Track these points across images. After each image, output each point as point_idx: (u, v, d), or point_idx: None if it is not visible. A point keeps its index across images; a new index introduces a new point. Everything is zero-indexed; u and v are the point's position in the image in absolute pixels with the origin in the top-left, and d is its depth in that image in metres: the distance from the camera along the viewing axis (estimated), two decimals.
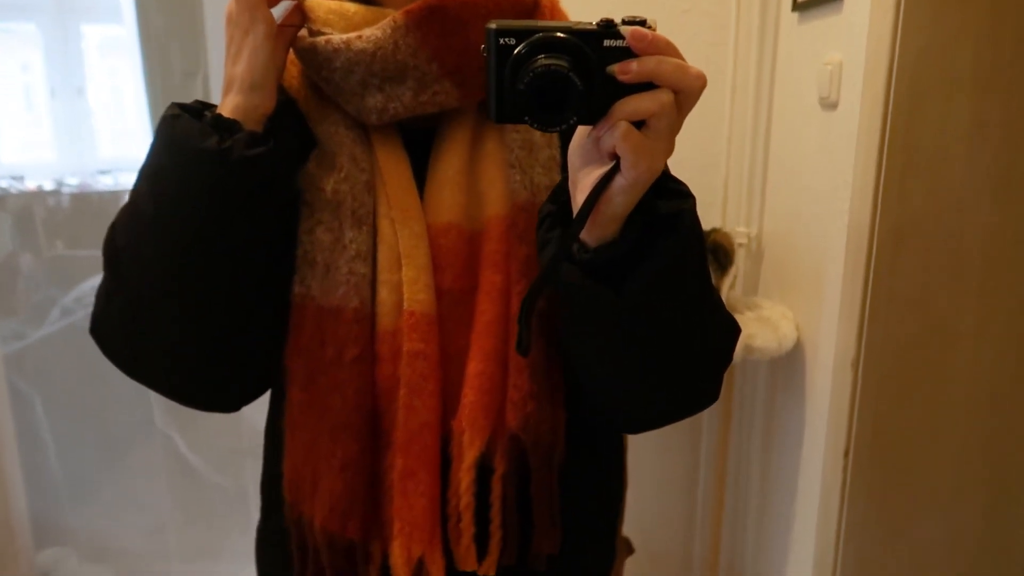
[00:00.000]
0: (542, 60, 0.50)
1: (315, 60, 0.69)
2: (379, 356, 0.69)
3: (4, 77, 3.97)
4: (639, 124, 0.52)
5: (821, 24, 1.32)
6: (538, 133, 0.74)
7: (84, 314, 2.69)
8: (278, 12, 0.69)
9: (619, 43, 0.51)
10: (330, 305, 0.69)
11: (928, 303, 1.15)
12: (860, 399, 1.15)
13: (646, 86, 0.52)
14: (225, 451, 1.98)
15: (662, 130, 0.53)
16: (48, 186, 3.94)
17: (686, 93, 0.53)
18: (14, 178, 3.99)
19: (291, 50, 0.71)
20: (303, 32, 0.71)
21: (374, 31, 0.66)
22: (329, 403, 0.69)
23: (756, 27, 1.51)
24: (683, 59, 0.53)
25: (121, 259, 0.68)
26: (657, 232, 0.58)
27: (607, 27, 0.51)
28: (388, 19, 0.67)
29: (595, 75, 0.51)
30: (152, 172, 0.66)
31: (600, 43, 0.51)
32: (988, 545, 1.27)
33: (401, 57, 0.67)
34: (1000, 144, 1.11)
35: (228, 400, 0.75)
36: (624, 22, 0.52)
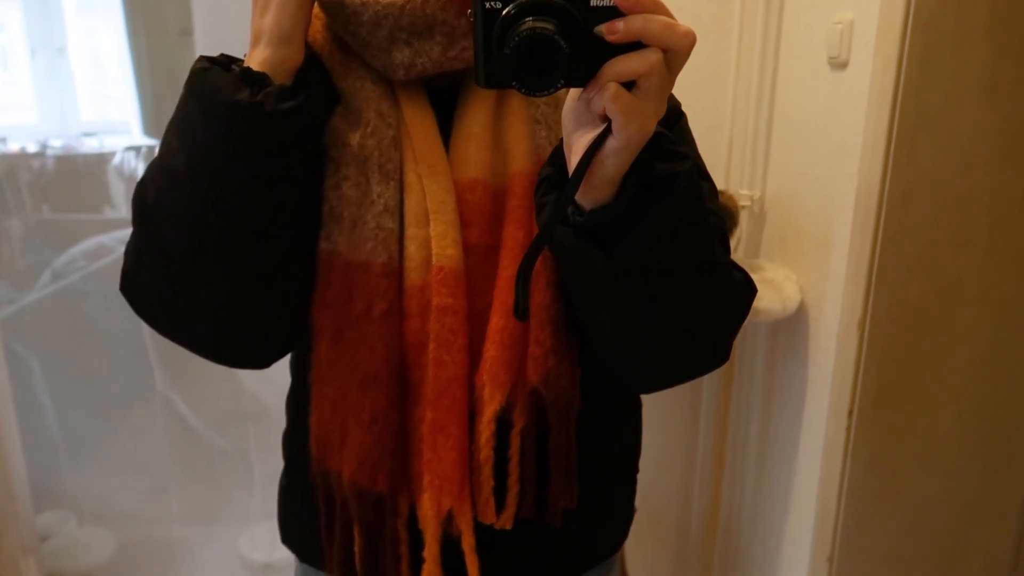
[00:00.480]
0: (528, 23, 0.49)
1: (341, 13, 0.68)
2: (407, 311, 0.70)
3: None
4: (629, 85, 0.52)
5: None
6: (564, 90, 0.73)
7: (77, 278, 2.66)
8: None
9: (606, 3, 0.50)
10: (358, 260, 0.69)
11: (934, 264, 1.16)
12: (865, 360, 1.16)
13: (635, 46, 0.51)
14: (226, 413, 1.98)
15: (652, 90, 0.52)
16: (32, 148, 3.87)
17: (675, 52, 0.52)
18: None
19: (315, 3, 0.70)
20: None
21: None
22: (358, 357, 0.69)
23: None
24: (672, 16, 0.52)
25: (152, 215, 0.67)
26: (653, 194, 0.58)
27: None
28: None
29: (583, 37, 0.50)
30: (182, 126, 0.65)
31: (587, 3, 0.50)
32: (985, 499, 1.30)
33: (430, 11, 0.66)
34: (1010, 104, 1.11)
35: (260, 357, 0.76)
36: None
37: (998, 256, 1.16)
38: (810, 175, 1.38)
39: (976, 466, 1.28)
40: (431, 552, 0.71)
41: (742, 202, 1.58)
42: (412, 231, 0.69)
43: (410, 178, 0.70)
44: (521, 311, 0.60)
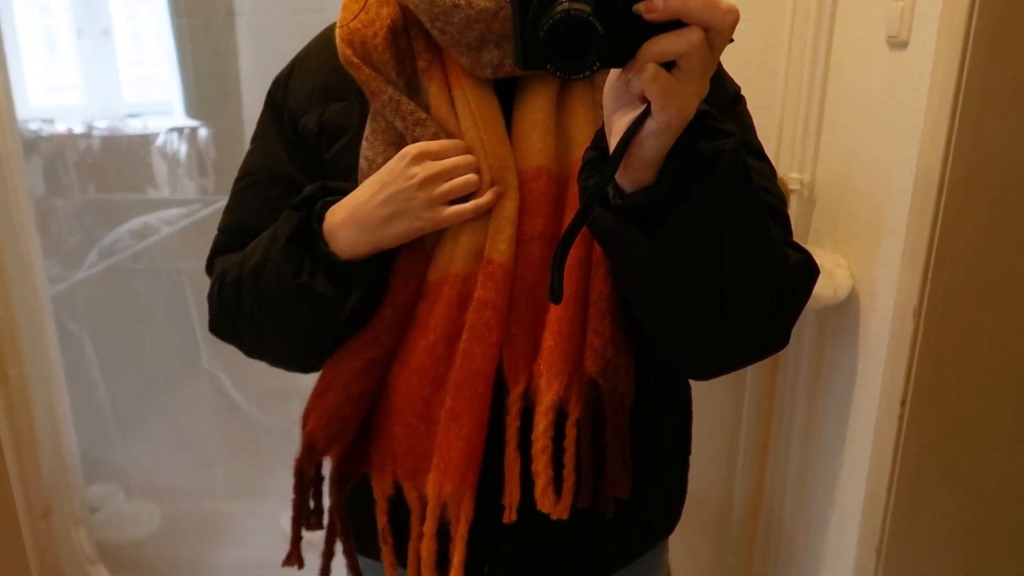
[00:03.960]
0: (563, 4, 0.48)
1: (431, 11, 0.68)
2: (441, 297, 0.69)
3: (27, 15, 3.94)
4: (669, 65, 0.50)
5: None
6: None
7: (126, 256, 2.72)
8: None
9: None
10: (421, 248, 0.75)
11: (996, 250, 1.12)
12: (920, 348, 1.13)
13: (675, 24, 0.49)
14: (270, 391, 2.02)
15: (693, 70, 0.50)
16: (78, 129, 3.95)
17: (716, 29, 0.50)
18: (44, 121, 3.99)
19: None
20: None
21: None
22: (379, 339, 0.77)
23: None
24: None
25: (234, 315, 0.78)
26: (696, 174, 0.57)
27: None
28: None
29: (621, 16, 0.49)
30: (275, 296, 0.74)
31: None
32: None
33: None
34: None
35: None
36: None
37: None
38: (865, 158, 1.35)
39: None
40: (429, 528, 0.73)
41: (792, 185, 1.55)
42: (471, 222, 0.69)
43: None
44: (556, 293, 0.59)
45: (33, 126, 3.92)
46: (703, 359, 0.73)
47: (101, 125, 4.11)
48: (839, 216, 1.46)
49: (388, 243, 0.71)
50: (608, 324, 0.68)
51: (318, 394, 0.76)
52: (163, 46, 3.87)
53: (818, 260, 1.41)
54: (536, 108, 0.70)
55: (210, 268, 0.84)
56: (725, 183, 0.57)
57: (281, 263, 0.70)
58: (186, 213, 3.10)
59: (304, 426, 0.77)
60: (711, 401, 1.70)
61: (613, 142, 0.56)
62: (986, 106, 1.06)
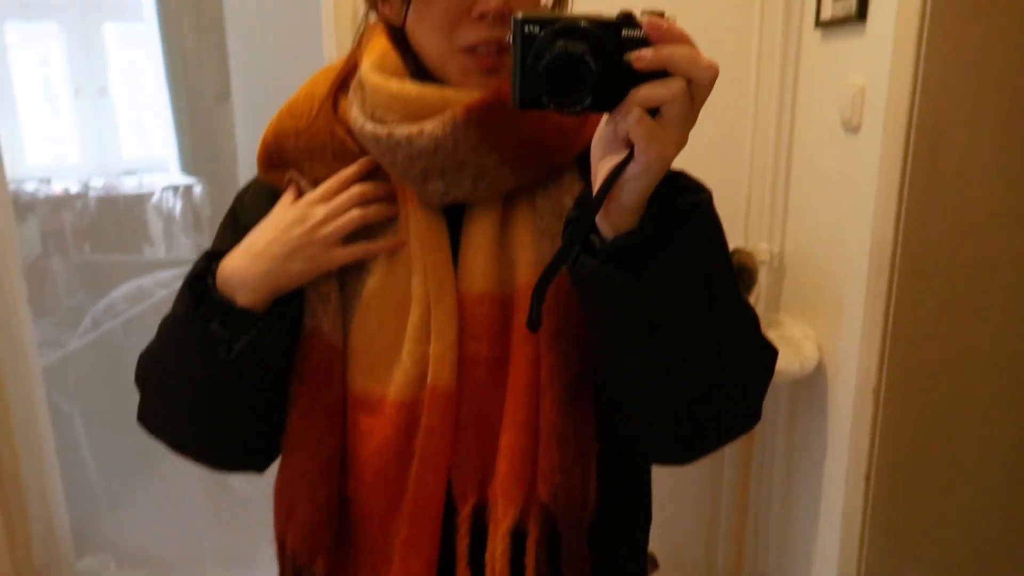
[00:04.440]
0: (561, 44, 0.53)
1: (377, 147, 0.71)
2: (387, 418, 0.72)
3: (25, 73, 4.02)
4: (654, 113, 0.54)
5: (844, 45, 1.31)
6: (568, 197, 0.75)
7: (115, 325, 2.75)
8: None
9: (637, 33, 0.54)
10: (339, 346, 0.74)
11: (949, 331, 1.15)
12: (881, 427, 1.16)
13: (661, 74, 0.54)
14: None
15: (675, 118, 0.54)
16: (74, 188, 4.01)
17: (698, 82, 0.54)
18: (41, 181, 4.05)
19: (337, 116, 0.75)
20: (360, 116, 0.72)
21: (435, 127, 0.68)
22: (324, 439, 0.74)
23: (779, 43, 1.51)
24: (697, 49, 0.55)
25: (148, 395, 0.78)
26: (676, 223, 0.59)
27: (626, 18, 0.54)
28: (448, 114, 0.68)
29: (612, 62, 0.53)
30: (162, 348, 0.75)
31: (619, 32, 0.54)
32: (1009, 558, 1.28)
33: (461, 153, 0.69)
34: (1023, 172, 1.11)
35: (256, 465, 0.83)
36: (643, 14, 0.54)
37: (1015, 323, 1.16)
38: (826, 235, 1.39)
39: (998, 527, 1.26)
40: None
41: (761, 256, 1.59)
42: (411, 346, 0.71)
43: (418, 292, 0.72)
44: (534, 323, 0.63)
45: (30, 186, 3.98)
46: (680, 430, 0.71)
47: (97, 184, 4.16)
48: (807, 287, 1.50)
49: (285, 284, 0.72)
50: (557, 449, 0.70)
51: (285, 515, 0.77)
52: (159, 103, 3.96)
53: (788, 330, 1.46)
54: (480, 233, 0.73)
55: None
56: (704, 230, 0.60)
57: (185, 314, 0.72)
58: (180, 274, 3.13)
59: (282, 549, 0.77)
60: (692, 474, 1.71)
61: (597, 185, 0.58)
62: (932, 192, 1.11)
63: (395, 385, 0.72)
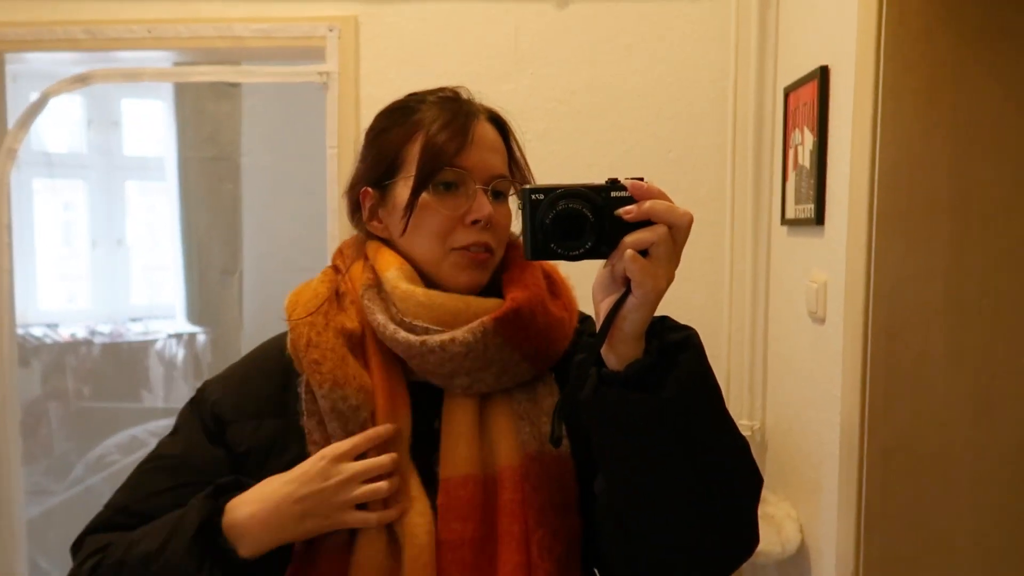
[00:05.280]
0: (562, 203, 0.67)
1: (408, 352, 0.80)
2: None
3: (46, 221, 4.21)
4: (644, 254, 0.65)
5: (807, 242, 1.43)
6: (540, 386, 0.83)
7: (101, 477, 2.73)
8: None
9: (623, 193, 0.67)
10: None
11: (922, 520, 1.18)
12: None
13: (647, 223, 0.66)
14: None
15: (662, 256, 0.65)
16: (81, 333, 4.09)
17: (677, 227, 0.66)
18: (49, 327, 4.15)
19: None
20: (390, 324, 0.80)
21: (466, 335, 0.78)
22: None
23: (750, 236, 1.64)
24: (673, 203, 0.67)
25: None
26: (674, 351, 0.68)
27: (613, 183, 0.67)
28: (478, 324, 0.78)
29: (605, 217, 0.66)
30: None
31: (608, 194, 0.67)
32: None
33: (490, 354, 0.79)
34: (979, 368, 1.19)
35: None
36: (626, 179, 0.68)
37: (985, 513, 1.19)
38: (802, 416, 1.45)
39: None
40: None
41: (743, 431, 1.64)
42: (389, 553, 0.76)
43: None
44: (556, 439, 0.72)
45: (38, 331, 4.06)
46: (685, 561, 0.73)
47: (104, 330, 4.25)
48: (787, 465, 1.53)
49: (292, 539, 0.77)
50: None
51: None
52: (171, 256, 4.13)
53: (770, 508, 1.48)
54: (459, 421, 0.80)
55: (78, 545, 0.82)
56: (699, 355, 0.69)
57: (184, 558, 0.73)
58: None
59: None
60: None
61: (601, 320, 0.67)
62: (892, 386, 1.17)
63: None
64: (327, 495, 0.76)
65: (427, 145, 0.81)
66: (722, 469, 0.71)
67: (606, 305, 0.67)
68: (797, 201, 1.46)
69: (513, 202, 0.87)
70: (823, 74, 1.34)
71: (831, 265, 1.30)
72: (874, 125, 1.18)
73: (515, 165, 0.88)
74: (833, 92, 1.32)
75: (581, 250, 0.67)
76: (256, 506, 0.76)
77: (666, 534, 0.72)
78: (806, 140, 1.42)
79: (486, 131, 0.84)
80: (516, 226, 0.86)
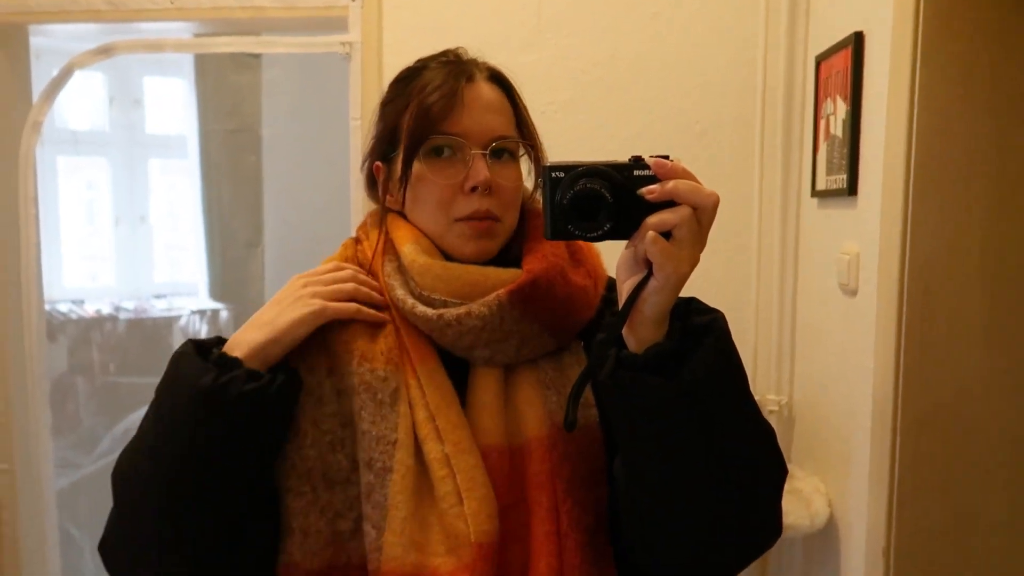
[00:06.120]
0: (581, 182, 0.63)
1: (427, 325, 0.79)
2: None
3: (70, 199, 4.25)
4: (668, 236, 0.63)
5: (838, 213, 1.41)
6: (567, 356, 0.82)
7: None
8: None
9: (646, 172, 0.64)
10: (316, 568, 0.75)
11: (955, 493, 1.17)
12: None
13: (671, 204, 0.63)
14: None
15: (685, 239, 0.62)
16: (106, 310, 4.14)
17: (702, 208, 0.63)
18: (75, 302, 4.20)
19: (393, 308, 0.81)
20: (409, 298, 0.79)
21: (482, 308, 0.76)
22: None
23: (778, 208, 1.61)
24: (699, 182, 0.64)
25: (123, 484, 0.75)
26: (697, 335, 0.66)
27: (636, 161, 0.65)
28: (493, 296, 0.76)
29: (627, 196, 0.63)
30: (157, 407, 0.74)
31: (631, 173, 0.64)
32: None
33: (507, 327, 0.77)
34: (1014, 339, 1.16)
35: None
36: (650, 157, 0.65)
37: (1019, 487, 1.17)
38: (831, 390, 1.43)
39: None
40: None
41: (770, 406, 1.62)
42: (451, 507, 0.74)
43: (435, 456, 0.75)
44: (570, 423, 0.68)
45: (64, 307, 4.12)
46: (707, 547, 0.72)
47: (128, 306, 4.30)
48: (815, 439, 1.52)
49: (284, 332, 0.74)
50: None
51: None
52: (194, 234, 4.15)
53: (798, 483, 1.47)
54: (485, 391, 0.79)
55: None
56: (723, 340, 0.66)
57: (189, 374, 0.71)
58: None
59: None
60: None
61: (622, 302, 0.65)
62: (927, 357, 1.15)
63: (442, 556, 0.74)
64: (302, 290, 0.77)
65: (416, 112, 0.79)
66: (743, 458, 0.69)
67: (628, 286, 0.65)
68: (828, 172, 1.43)
69: (524, 164, 0.85)
70: (857, 41, 1.31)
71: (864, 236, 1.27)
72: (911, 92, 1.15)
73: (523, 125, 0.85)
74: (868, 59, 1.29)
75: (599, 232, 0.64)
76: (244, 330, 0.76)
77: (682, 521, 0.71)
78: (838, 109, 1.38)
79: (482, 91, 0.81)
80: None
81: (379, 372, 0.78)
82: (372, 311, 0.80)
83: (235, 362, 0.73)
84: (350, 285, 0.79)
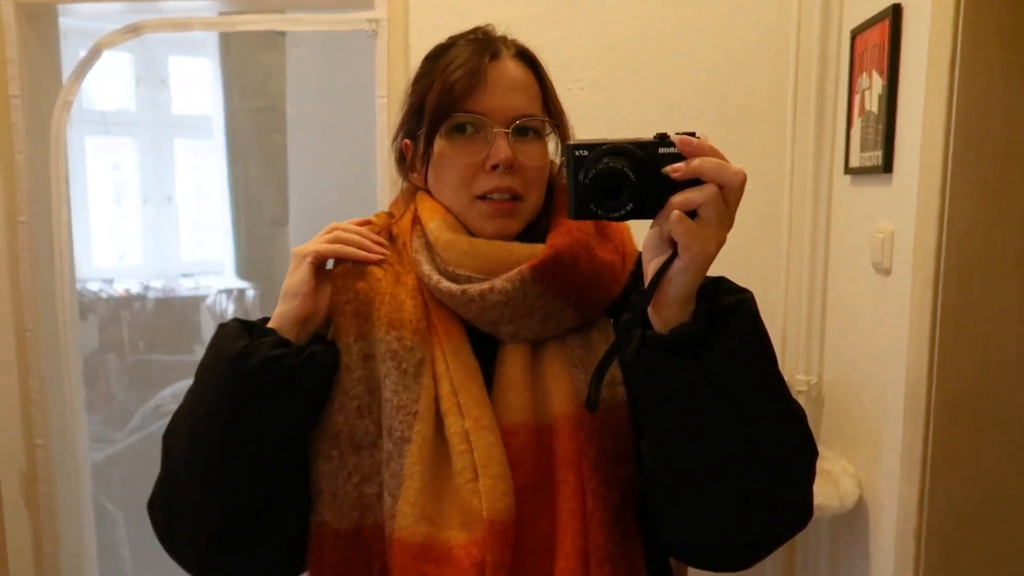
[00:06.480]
0: (604, 161, 0.62)
1: (452, 301, 0.79)
2: (459, 565, 0.73)
3: (98, 180, 4.31)
4: (693, 215, 0.61)
5: (872, 191, 1.38)
6: (594, 333, 0.81)
7: (160, 425, 2.83)
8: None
9: (672, 150, 0.62)
10: (345, 529, 0.77)
11: (989, 475, 1.15)
12: (925, 571, 1.14)
13: (696, 182, 0.61)
14: None
15: (710, 218, 0.61)
16: (135, 289, 4.21)
17: (728, 187, 0.61)
18: (104, 281, 4.27)
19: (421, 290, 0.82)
20: (434, 273, 0.80)
21: (505, 283, 0.76)
22: None
23: (810, 186, 1.58)
24: (726, 160, 0.62)
25: (166, 444, 0.79)
26: (725, 316, 0.64)
27: (662, 138, 0.63)
28: (516, 271, 0.76)
29: (652, 175, 0.62)
30: (198, 371, 0.77)
31: (656, 150, 0.62)
32: None
33: (530, 302, 0.77)
34: None
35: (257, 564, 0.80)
36: (676, 134, 0.63)
37: None
38: (862, 370, 1.41)
39: None
40: None
41: (799, 387, 1.61)
42: (468, 482, 0.74)
43: (455, 431, 0.76)
44: (592, 403, 0.68)
45: (94, 286, 4.19)
46: (735, 529, 0.72)
47: (157, 285, 4.36)
48: (845, 420, 1.50)
49: (292, 295, 0.77)
50: (608, 572, 0.73)
51: None
52: (220, 213, 4.20)
53: (827, 464, 1.46)
54: (512, 368, 0.79)
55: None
56: (751, 322, 0.65)
57: (224, 337, 0.75)
58: None
59: None
60: None
61: (648, 281, 0.65)
62: (962, 338, 1.13)
63: (455, 529, 0.75)
64: (299, 252, 0.80)
65: (439, 90, 0.79)
66: (770, 440, 0.68)
67: (653, 266, 0.64)
68: (863, 149, 1.40)
69: (553, 142, 0.85)
70: (895, 13, 1.27)
71: (899, 214, 1.25)
72: (952, 65, 1.12)
73: (549, 102, 0.84)
74: (906, 31, 1.25)
75: (620, 212, 0.63)
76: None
77: (706, 501, 0.70)
78: (874, 84, 1.35)
79: (507, 69, 0.81)
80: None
81: (406, 341, 0.78)
82: (356, 251, 0.81)
83: (268, 331, 0.76)
84: (333, 235, 0.81)
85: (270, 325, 0.77)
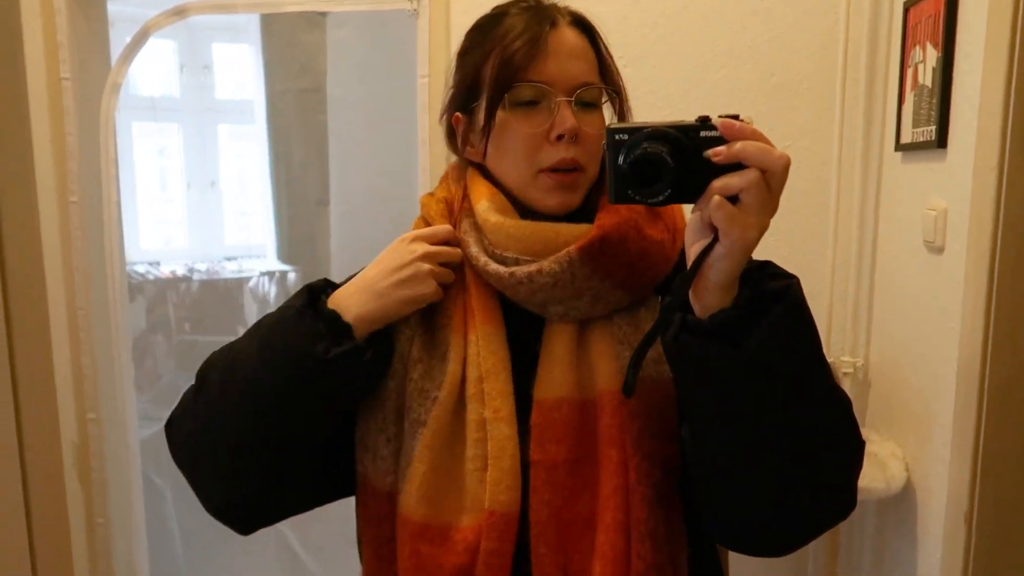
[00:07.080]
0: (643, 146, 0.61)
1: (500, 283, 0.79)
2: (453, 548, 0.75)
3: (144, 165, 4.41)
4: (734, 201, 0.60)
5: (925, 168, 1.34)
6: (643, 311, 0.80)
7: None
8: None
9: (713, 133, 0.61)
10: (382, 489, 0.79)
11: None
12: (975, 556, 1.11)
13: (738, 167, 0.60)
14: (334, 554, 2.06)
15: (752, 204, 0.60)
16: (180, 271, 4.31)
17: (771, 172, 0.60)
18: (151, 264, 4.37)
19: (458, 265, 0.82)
20: (482, 255, 0.80)
21: (552, 265, 0.76)
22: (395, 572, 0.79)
23: (859, 163, 1.54)
24: (769, 143, 0.61)
25: (210, 387, 0.79)
26: (768, 302, 0.63)
27: (704, 121, 0.62)
28: (563, 253, 0.76)
29: (693, 159, 0.61)
30: (264, 345, 0.76)
31: (698, 134, 0.61)
32: None
33: (578, 283, 0.77)
34: None
35: (259, 518, 0.82)
36: (719, 117, 0.62)
37: None
38: (912, 351, 1.37)
39: None
40: None
41: (844, 368, 1.58)
42: (477, 473, 0.76)
43: (474, 419, 0.77)
44: (629, 388, 0.68)
45: (141, 268, 4.30)
46: (776, 516, 0.71)
47: (201, 267, 4.46)
48: (893, 403, 1.47)
49: (394, 308, 0.76)
50: (649, 548, 0.73)
51: None
52: (262, 197, 4.26)
53: (873, 447, 1.43)
54: (558, 343, 0.79)
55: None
56: (795, 308, 0.64)
57: (290, 303, 0.76)
58: None
59: None
60: None
61: (690, 266, 0.64)
62: (1019, 318, 1.10)
63: (457, 513, 0.76)
64: (416, 262, 0.78)
65: (499, 60, 0.78)
66: (810, 428, 0.66)
67: (695, 251, 0.63)
68: (915, 124, 1.36)
69: (607, 111, 0.83)
70: None
71: (953, 191, 1.21)
72: (1012, 35, 1.08)
73: (606, 71, 0.83)
74: (963, 1, 1.21)
75: (659, 198, 0.61)
76: (354, 291, 0.77)
77: (743, 487, 0.69)
78: (928, 57, 1.31)
79: (565, 37, 0.79)
80: None
81: (441, 327, 0.81)
82: (450, 273, 0.81)
83: (346, 329, 0.75)
84: (455, 250, 0.81)
85: (348, 318, 0.76)
